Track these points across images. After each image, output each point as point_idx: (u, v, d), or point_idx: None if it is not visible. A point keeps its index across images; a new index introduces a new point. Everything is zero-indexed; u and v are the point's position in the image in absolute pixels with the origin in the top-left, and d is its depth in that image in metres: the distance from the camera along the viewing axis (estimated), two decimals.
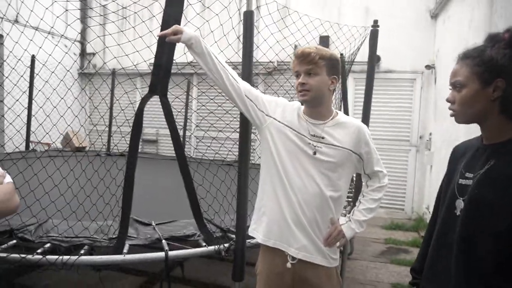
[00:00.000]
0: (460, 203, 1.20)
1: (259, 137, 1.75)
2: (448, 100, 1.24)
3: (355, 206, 1.73)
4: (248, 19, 2.11)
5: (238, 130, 2.10)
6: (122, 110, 2.15)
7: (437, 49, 5.77)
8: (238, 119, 2.05)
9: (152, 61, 2.00)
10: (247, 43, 2.08)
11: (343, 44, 3.60)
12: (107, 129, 6.21)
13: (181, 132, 6.18)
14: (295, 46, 6.27)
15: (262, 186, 1.71)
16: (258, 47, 2.31)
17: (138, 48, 2.26)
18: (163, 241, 2.13)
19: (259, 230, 1.70)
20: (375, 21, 2.85)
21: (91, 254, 2.00)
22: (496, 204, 1.09)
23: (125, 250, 1.99)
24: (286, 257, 1.63)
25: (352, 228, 1.66)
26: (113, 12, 6.35)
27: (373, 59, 2.91)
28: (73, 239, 2.07)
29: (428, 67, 5.92)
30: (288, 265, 1.62)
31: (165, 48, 2.00)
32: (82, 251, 1.98)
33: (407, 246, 4.76)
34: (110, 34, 2.41)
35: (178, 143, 2.11)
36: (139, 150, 2.15)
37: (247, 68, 2.05)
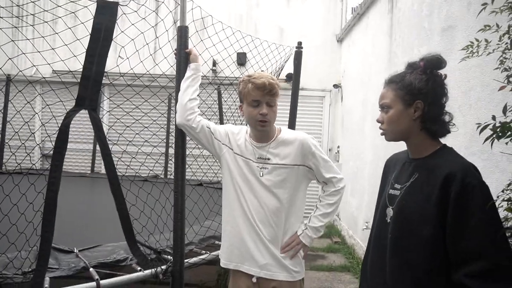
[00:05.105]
0: (390, 211, 1.37)
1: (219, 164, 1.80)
2: (378, 121, 1.41)
3: (312, 212, 1.80)
4: (183, 34, 2.10)
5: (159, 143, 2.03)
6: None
7: (343, 70, 6.40)
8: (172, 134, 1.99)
9: (54, 67, 1.80)
10: (181, 57, 2.06)
11: (258, 63, 3.70)
12: None
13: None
14: (214, 62, 6.38)
15: (223, 212, 1.78)
16: (173, 66, 2.21)
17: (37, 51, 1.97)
18: (91, 269, 1.94)
19: (221, 255, 1.78)
20: (299, 43, 3.06)
21: None
22: (419, 213, 1.26)
23: (46, 285, 1.76)
24: (250, 276, 1.69)
25: (309, 236, 1.73)
26: (4, 8, 5.62)
27: (298, 78, 3.11)
28: None
29: (335, 86, 6.51)
30: (254, 279, 1.68)
31: (95, 58, 1.87)
32: None
33: (323, 252, 5.10)
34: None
35: (109, 160, 1.97)
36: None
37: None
